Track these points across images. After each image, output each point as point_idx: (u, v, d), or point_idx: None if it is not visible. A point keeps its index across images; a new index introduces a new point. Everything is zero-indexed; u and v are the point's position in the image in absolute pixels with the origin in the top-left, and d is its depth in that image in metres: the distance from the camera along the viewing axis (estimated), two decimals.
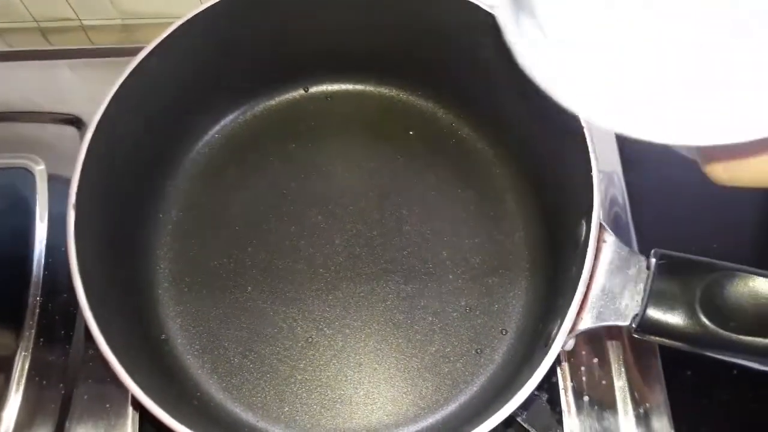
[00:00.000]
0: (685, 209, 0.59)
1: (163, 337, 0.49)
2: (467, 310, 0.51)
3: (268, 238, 0.53)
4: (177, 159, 0.54)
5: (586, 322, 0.40)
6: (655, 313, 0.39)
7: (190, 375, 0.48)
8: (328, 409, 0.48)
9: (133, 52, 0.62)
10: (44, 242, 0.56)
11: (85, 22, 0.65)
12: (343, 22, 0.50)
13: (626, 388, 0.52)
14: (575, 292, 0.39)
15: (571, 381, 0.52)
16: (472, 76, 0.51)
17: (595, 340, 0.54)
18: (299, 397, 0.48)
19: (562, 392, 0.52)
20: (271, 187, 0.54)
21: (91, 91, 0.63)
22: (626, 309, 0.40)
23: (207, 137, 0.55)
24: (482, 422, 0.39)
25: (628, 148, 0.59)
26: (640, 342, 0.54)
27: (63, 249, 0.55)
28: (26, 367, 0.52)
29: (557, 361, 0.53)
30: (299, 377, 0.49)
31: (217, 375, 0.49)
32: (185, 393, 0.47)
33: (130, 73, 0.43)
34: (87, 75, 0.65)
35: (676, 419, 0.52)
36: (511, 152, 0.54)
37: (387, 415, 0.48)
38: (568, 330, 0.39)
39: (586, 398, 0.52)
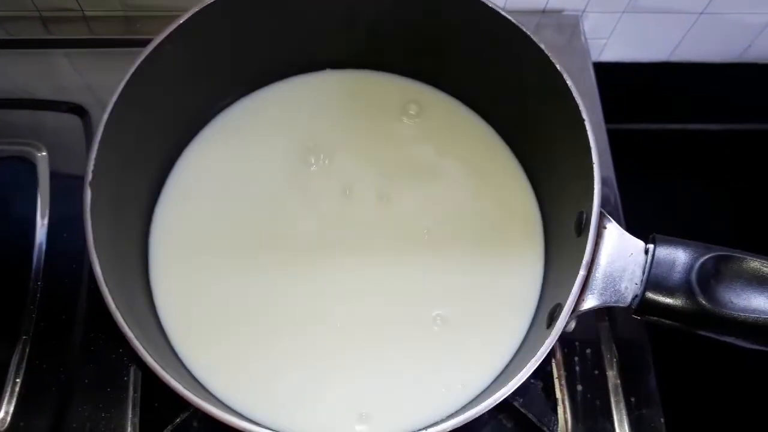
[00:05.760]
0: (675, 209, 0.62)
1: (161, 306, 0.50)
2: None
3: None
4: (187, 139, 0.54)
5: (588, 303, 0.41)
6: (653, 294, 0.40)
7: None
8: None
9: (133, 43, 0.63)
10: (46, 228, 0.56)
11: (87, 13, 0.65)
12: (355, 12, 0.51)
13: (618, 378, 0.54)
14: (577, 274, 0.41)
15: (565, 371, 0.54)
16: (483, 66, 0.53)
17: (588, 331, 0.55)
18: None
19: (556, 381, 0.53)
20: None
21: (89, 81, 0.64)
22: (626, 291, 0.41)
23: (218, 118, 0.56)
24: (485, 399, 0.40)
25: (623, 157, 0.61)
26: (632, 333, 0.56)
27: (64, 234, 0.56)
28: (27, 351, 0.52)
29: (552, 353, 0.54)
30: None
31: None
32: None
33: (146, 57, 0.44)
34: (84, 65, 0.65)
35: (667, 408, 0.53)
36: (515, 139, 0.56)
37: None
38: (570, 310, 0.41)
39: (579, 387, 0.53)
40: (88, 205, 0.40)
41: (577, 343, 0.55)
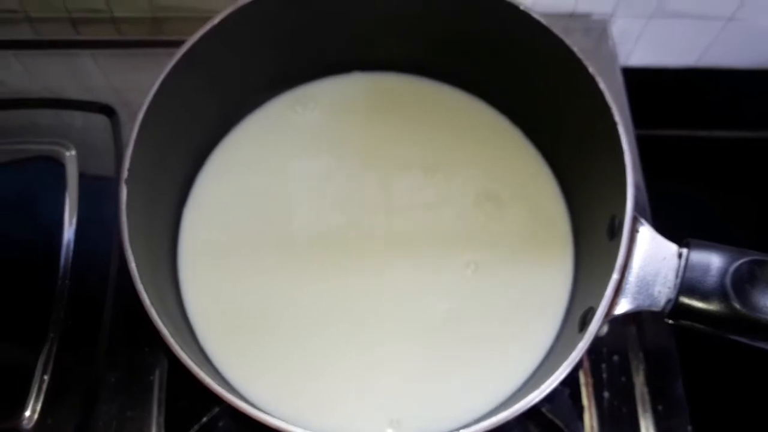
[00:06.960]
0: (702, 216, 0.61)
1: (189, 305, 0.50)
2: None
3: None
4: (218, 139, 0.55)
5: (621, 308, 0.41)
6: (687, 299, 0.40)
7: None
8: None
9: (161, 44, 0.64)
10: (74, 227, 0.56)
11: (116, 14, 0.66)
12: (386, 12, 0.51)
13: (645, 386, 0.53)
14: (610, 278, 0.40)
15: (592, 377, 0.53)
16: (512, 69, 0.53)
17: (616, 338, 0.55)
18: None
19: (583, 388, 0.53)
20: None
21: (117, 82, 0.65)
22: (659, 295, 0.41)
23: (249, 118, 0.56)
24: (515, 403, 0.39)
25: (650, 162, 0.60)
26: (660, 341, 0.55)
27: (92, 234, 0.56)
28: (54, 350, 0.52)
29: (579, 359, 0.53)
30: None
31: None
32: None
33: (181, 57, 0.44)
34: (111, 66, 0.65)
35: (694, 417, 0.52)
36: (545, 143, 0.55)
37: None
38: (603, 314, 0.40)
39: (606, 394, 0.53)
40: (123, 203, 0.40)
41: (604, 350, 0.54)
